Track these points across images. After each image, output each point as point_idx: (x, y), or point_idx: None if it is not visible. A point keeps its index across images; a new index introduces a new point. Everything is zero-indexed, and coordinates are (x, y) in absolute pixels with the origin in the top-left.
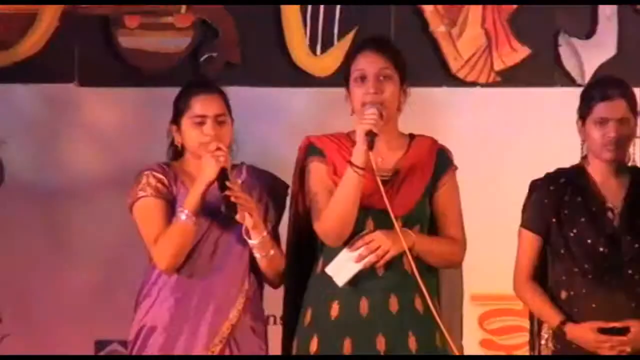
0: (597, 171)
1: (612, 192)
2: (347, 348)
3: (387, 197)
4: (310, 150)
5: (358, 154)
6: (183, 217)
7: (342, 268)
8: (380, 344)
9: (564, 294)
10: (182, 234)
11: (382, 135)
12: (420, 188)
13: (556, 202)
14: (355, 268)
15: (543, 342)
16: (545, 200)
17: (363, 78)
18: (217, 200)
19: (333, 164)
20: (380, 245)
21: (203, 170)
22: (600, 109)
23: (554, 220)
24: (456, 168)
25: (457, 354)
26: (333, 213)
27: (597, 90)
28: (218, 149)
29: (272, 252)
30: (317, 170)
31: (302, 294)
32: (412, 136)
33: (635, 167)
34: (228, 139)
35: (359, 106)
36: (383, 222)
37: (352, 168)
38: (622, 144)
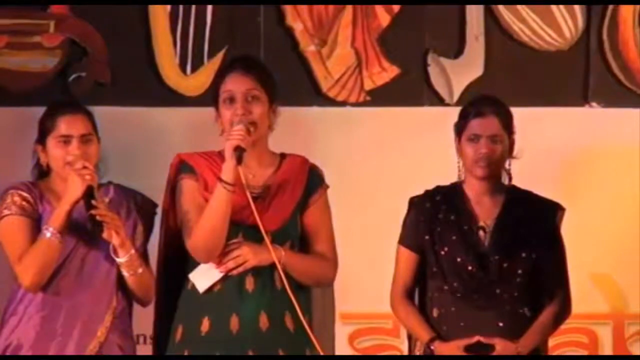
0: (472, 189)
1: (486, 210)
2: None
3: (257, 213)
4: (181, 167)
5: (227, 170)
6: (48, 234)
7: (204, 274)
8: None
9: (435, 312)
10: (47, 251)
11: (252, 152)
12: (291, 205)
13: (430, 219)
14: (217, 275)
15: None
16: (421, 218)
17: (231, 99)
18: (84, 218)
19: (204, 180)
20: (240, 254)
21: (69, 188)
22: (473, 126)
23: (427, 237)
24: (327, 186)
25: None
26: (203, 229)
27: (471, 107)
28: (84, 167)
29: (140, 270)
30: (188, 187)
31: (173, 312)
32: (283, 155)
33: (511, 187)
34: (94, 157)
35: (229, 127)
36: (254, 238)
37: (222, 184)
38: (494, 161)
